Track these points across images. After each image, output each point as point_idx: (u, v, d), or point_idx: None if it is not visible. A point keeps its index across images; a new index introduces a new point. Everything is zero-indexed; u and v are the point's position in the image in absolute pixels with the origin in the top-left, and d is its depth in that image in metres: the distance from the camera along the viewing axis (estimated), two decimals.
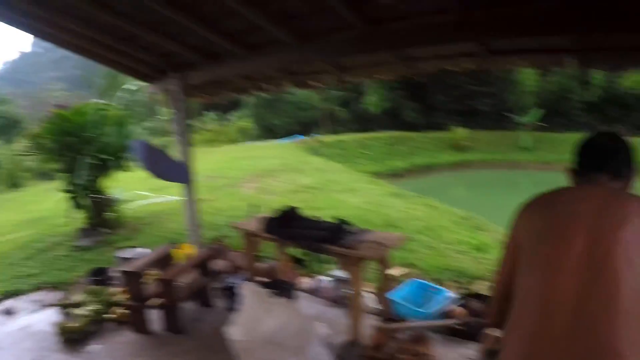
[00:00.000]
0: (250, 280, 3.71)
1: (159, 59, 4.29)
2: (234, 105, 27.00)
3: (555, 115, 20.05)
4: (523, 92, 19.63)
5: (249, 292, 2.77)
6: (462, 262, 4.75)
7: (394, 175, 15.94)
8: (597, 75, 18.26)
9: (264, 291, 2.82)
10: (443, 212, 7.81)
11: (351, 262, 2.84)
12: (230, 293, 3.66)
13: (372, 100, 21.73)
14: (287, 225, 3.17)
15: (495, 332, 2.69)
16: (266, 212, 3.70)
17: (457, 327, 3.00)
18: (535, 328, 1.05)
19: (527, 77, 19.11)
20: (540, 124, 18.95)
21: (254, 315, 2.67)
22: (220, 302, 3.79)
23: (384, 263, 3.25)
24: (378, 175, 14.48)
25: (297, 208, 3.39)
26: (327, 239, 2.90)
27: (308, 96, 23.80)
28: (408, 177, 16.18)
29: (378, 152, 18.28)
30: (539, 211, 1.26)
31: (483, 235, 6.15)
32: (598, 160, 1.33)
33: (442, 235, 5.90)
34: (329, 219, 3.29)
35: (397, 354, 2.69)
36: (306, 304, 3.59)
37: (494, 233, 6.42)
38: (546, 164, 16.36)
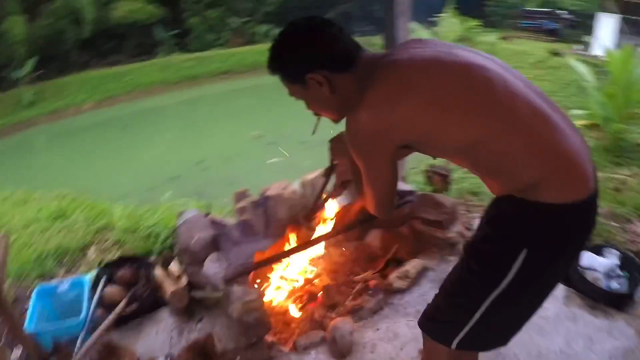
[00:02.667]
0: None
1: None
2: None
3: (52, 61, 18.55)
4: (13, 42, 17.05)
5: None
6: (56, 239, 4.12)
7: None
8: (89, 11, 17.79)
9: None
10: None
11: None
12: None
13: None
14: None
15: None
16: None
17: (128, 311, 2.73)
18: (546, 144, 1.02)
19: (15, 25, 16.78)
20: (37, 73, 17.06)
21: None
22: None
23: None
24: None
25: None
26: None
27: None
28: None
29: None
30: (415, 84, 1.07)
31: (46, 204, 5.22)
32: (351, 41, 1.18)
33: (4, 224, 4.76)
34: None
35: None
36: None
37: (46, 196, 5.51)
38: (56, 113, 15.73)
